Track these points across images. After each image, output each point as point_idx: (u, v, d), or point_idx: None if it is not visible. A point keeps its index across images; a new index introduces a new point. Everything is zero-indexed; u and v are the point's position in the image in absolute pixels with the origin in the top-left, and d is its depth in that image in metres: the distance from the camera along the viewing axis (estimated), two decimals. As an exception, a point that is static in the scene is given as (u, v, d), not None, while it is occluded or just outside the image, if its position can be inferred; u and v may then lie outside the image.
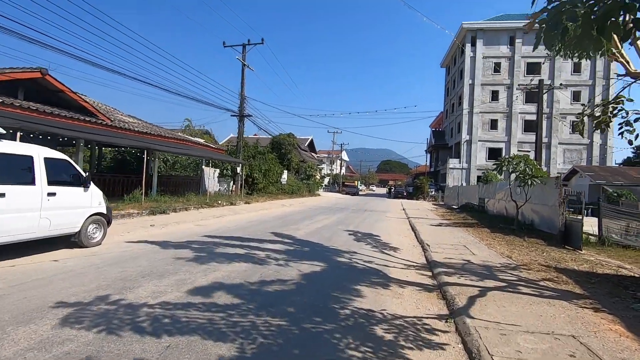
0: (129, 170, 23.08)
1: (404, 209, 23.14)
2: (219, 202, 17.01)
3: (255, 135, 42.67)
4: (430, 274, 6.11)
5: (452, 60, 49.95)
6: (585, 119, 5.80)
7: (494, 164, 12.88)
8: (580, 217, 11.29)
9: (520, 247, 9.32)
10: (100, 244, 6.92)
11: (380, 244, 8.85)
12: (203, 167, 20.99)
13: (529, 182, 11.74)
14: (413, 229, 12.36)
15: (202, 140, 22.65)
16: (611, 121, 4.88)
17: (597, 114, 5.07)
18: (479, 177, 41.03)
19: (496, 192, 18.19)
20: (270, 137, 36.77)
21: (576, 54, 6.90)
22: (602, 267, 7.51)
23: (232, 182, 22.83)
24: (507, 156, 12.39)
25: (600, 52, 5.74)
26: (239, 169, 22.02)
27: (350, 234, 10.24)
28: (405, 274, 5.98)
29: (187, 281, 4.70)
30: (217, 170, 22.39)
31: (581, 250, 9.57)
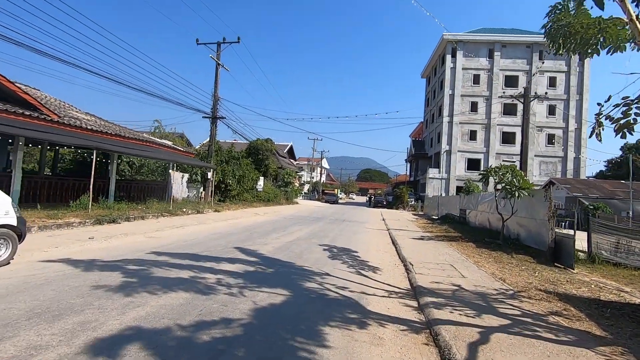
0: (90, 174, 21.20)
1: (383, 219, 22.26)
2: (184, 209, 15.51)
3: (234, 140, 41.04)
4: (416, 304, 5.05)
5: (433, 70, 50.33)
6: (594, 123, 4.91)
7: (479, 174, 12.15)
8: (570, 232, 10.66)
9: (509, 266, 8.49)
10: (9, 263, 5.48)
11: (358, 263, 7.76)
12: (170, 171, 19.40)
13: (516, 194, 11.04)
14: (394, 243, 11.36)
15: (169, 143, 21.05)
16: (636, 123, 4.00)
17: (617, 116, 4.19)
18: (458, 188, 41.02)
19: (479, 204, 17.57)
20: (247, 142, 35.38)
21: (581, 51, 6.15)
22: (601, 290, 6.72)
23: (202, 188, 21.29)
24: (493, 166, 11.66)
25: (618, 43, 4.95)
26: (209, 174, 20.54)
27: (324, 250, 9.10)
28: (387, 305, 4.88)
29: (91, 325, 3.41)
30: (186, 176, 20.83)
31: (573, 270, 8.84)
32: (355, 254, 8.94)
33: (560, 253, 9.58)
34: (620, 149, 45.93)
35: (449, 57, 42.27)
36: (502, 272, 7.62)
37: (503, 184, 11.78)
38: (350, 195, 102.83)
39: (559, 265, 9.26)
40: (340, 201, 63.93)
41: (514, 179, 11.05)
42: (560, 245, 9.66)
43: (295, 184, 49.58)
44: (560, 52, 6.34)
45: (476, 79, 41.95)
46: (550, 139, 40.72)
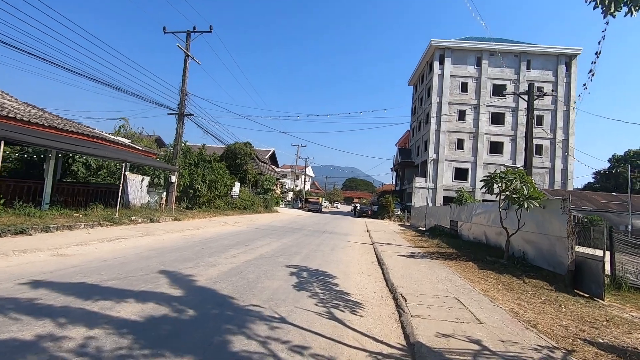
0: (38, 175, 18.58)
1: (368, 231, 20.30)
2: (134, 218, 13.11)
3: (215, 146, 38.65)
4: (418, 386, 2.99)
5: (420, 78, 49.40)
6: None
7: (481, 180, 10.34)
8: (597, 252, 8.93)
9: (526, 297, 6.62)
10: None
11: (332, 295, 5.67)
12: (126, 173, 16.94)
13: (525, 205, 9.25)
14: (380, 262, 9.34)
15: (127, 141, 18.60)
16: None
17: None
18: (445, 198, 39.61)
19: (473, 215, 15.83)
20: (224, 146, 33.06)
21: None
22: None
23: (164, 193, 18.86)
24: (498, 171, 9.90)
25: None
26: (173, 178, 18.16)
27: (291, 274, 6.97)
28: (370, 393, 2.81)
29: None
30: (147, 179, 18.37)
31: (602, 300, 7.03)
32: (331, 279, 6.86)
33: (582, 278, 7.78)
34: (609, 161, 45.66)
35: (436, 64, 41.29)
36: (522, 308, 5.71)
37: (507, 193, 10.01)
38: (335, 204, 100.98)
39: (583, 293, 7.46)
40: (324, 210, 61.86)
41: (524, 187, 9.26)
42: (582, 269, 7.86)
43: (277, 191, 47.31)
44: (612, 10, 4.51)
45: (464, 87, 41.03)
46: (538, 150, 39.95)
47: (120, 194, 14.92)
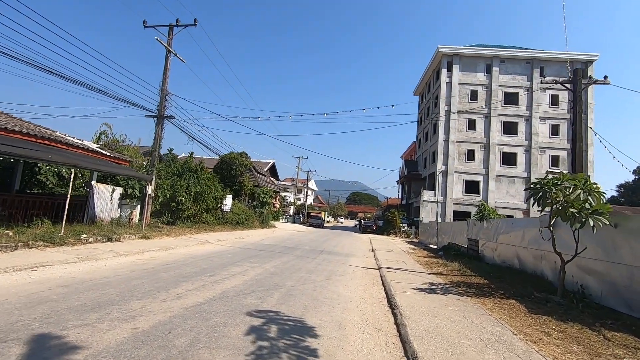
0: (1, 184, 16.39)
1: (373, 250, 17.68)
2: (84, 236, 10.68)
3: (210, 157, 36.36)
4: None
5: (426, 87, 47.40)
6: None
7: (526, 189, 7.84)
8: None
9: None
10: None
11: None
12: (92, 183, 14.65)
13: (590, 222, 6.69)
14: (390, 302, 6.76)
15: (94, 146, 16.33)
16: None
17: None
18: (455, 212, 36.91)
19: (499, 233, 13.22)
20: (219, 157, 30.85)
21: None
22: None
23: (139, 206, 16.48)
24: (549, 177, 7.41)
25: None
26: (149, 189, 15.80)
27: (250, 332, 4.44)
28: None
29: None
30: (119, 190, 16.05)
31: None
32: (314, 341, 4.31)
33: (697, 333, 5.16)
34: (633, 172, 42.72)
35: (444, 72, 39.27)
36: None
37: (558, 206, 7.47)
38: (339, 219, 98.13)
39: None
40: (327, 225, 59.17)
41: (590, 197, 6.74)
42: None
43: (276, 204, 44.84)
44: None
45: (474, 95, 38.85)
46: (554, 161, 37.34)
47: (91, 208, 12.56)
